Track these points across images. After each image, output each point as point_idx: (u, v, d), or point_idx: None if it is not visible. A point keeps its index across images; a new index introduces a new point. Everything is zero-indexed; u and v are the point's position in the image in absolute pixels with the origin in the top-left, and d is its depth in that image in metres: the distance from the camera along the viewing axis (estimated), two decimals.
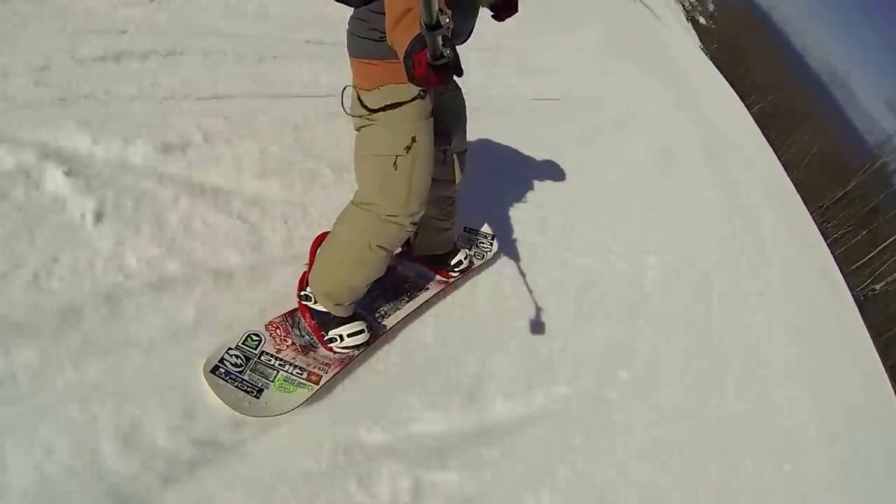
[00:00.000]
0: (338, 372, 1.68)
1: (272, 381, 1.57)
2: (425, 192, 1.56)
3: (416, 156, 1.51)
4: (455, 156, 1.88)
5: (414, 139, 1.49)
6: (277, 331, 1.70)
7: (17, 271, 1.42)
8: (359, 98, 1.51)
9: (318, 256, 1.68)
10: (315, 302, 1.69)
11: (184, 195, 1.84)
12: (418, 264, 2.21)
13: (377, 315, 1.92)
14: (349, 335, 1.70)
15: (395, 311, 1.98)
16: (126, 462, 1.27)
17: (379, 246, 1.57)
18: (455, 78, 1.69)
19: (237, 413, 1.45)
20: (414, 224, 1.58)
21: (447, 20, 0.99)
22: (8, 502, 1.12)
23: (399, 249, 2.24)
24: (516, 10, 1.69)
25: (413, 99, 1.46)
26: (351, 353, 1.73)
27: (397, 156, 1.49)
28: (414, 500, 1.58)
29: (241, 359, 1.57)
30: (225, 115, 2.20)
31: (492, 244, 2.57)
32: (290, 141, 2.32)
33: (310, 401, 1.58)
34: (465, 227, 2.59)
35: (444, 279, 2.22)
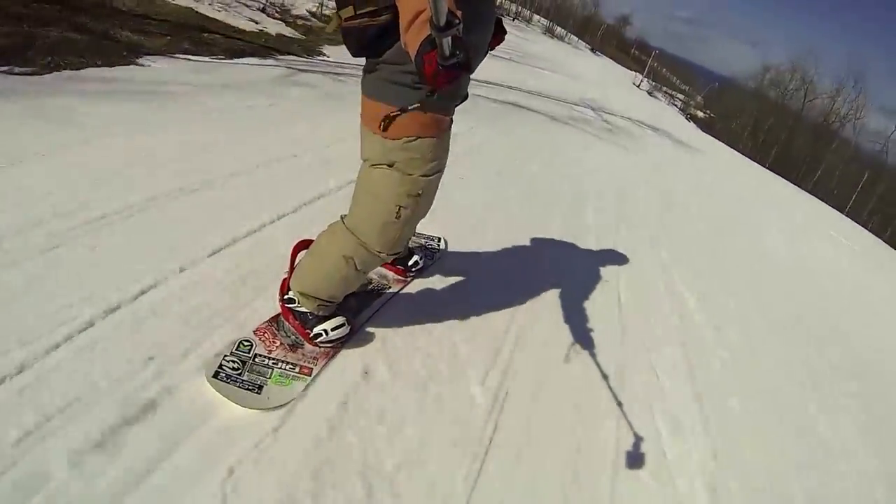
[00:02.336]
0: (325, 363, 1.86)
1: (269, 378, 1.72)
2: (411, 235, 1.74)
3: (416, 209, 1.63)
4: None
5: (420, 194, 1.60)
6: (265, 335, 1.86)
7: None
8: (377, 141, 1.56)
9: (299, 264, 1.84)
10: (298, 304, 1.85)
11: None
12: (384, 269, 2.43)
13: (350, 312, 2.10)
14: (332, 329, 1.87)
15: (365, 308, 2.18)
16: None
17: (359, 269, 1.74)
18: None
19: (243, 408, 1.60)
20: (392, 255, 1.76)
21: (457, 21, 1.05)
22: None
23: None
24: (504, 35, 1.75)
25: (433, 156, 1.56)
26: (335, 346, 1.91)
27: (400, 206, 1.58)
28: None
29: (238, 363, 1.72)
30: None
31: (439, 245, 2.84)
32: None
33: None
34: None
35: (402, 278, 2.45)
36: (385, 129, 1.51)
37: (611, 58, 44.28)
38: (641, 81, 30.46)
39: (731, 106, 42.26)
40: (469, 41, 1.15)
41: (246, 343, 1.79)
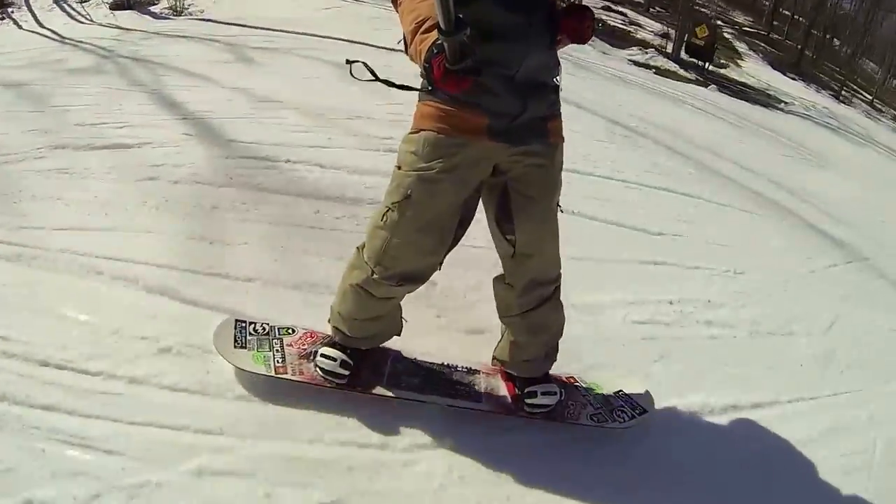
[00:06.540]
0: (298, 383, 1.67)
1: (256, 350, 1.72)
2: (406, 262, 1.45)
3: (402, 218, 1.38)
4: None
5: (408, 195, 1.36)
6: (309, 338, 1.83)
7: None
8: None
9: None
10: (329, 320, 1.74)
11: None
12: (498, 376, 1.83)
13: (375, 370, 1.75)
14: (324, 357, 1.64)
15: (415, 392, 1.72)
16: None
17: (354, 285, 1.54)
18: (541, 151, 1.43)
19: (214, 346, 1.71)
20: (390, 286, 1.48)
21: (464, 25, 1.04)
22: None
23: None
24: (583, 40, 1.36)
25: (428, 153, 1.35)
26: (321, 379, 1.66)
27: (388, 208, 1.40)
28: None
29: (265, 333, 1.80)
30: None
31: (634, 414, 1.77)
32: None
33: None
34: (619, 391, 1.87)
35: (509, 408, 1.73)
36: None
37: None
38: None
39: None
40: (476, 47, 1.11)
41: (291, 331, 1.84)
